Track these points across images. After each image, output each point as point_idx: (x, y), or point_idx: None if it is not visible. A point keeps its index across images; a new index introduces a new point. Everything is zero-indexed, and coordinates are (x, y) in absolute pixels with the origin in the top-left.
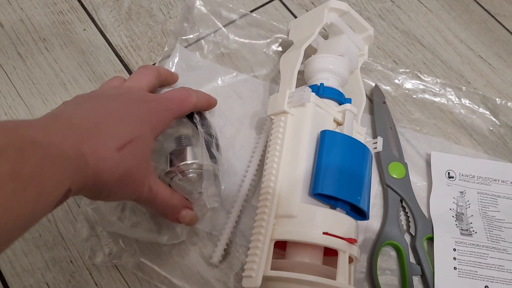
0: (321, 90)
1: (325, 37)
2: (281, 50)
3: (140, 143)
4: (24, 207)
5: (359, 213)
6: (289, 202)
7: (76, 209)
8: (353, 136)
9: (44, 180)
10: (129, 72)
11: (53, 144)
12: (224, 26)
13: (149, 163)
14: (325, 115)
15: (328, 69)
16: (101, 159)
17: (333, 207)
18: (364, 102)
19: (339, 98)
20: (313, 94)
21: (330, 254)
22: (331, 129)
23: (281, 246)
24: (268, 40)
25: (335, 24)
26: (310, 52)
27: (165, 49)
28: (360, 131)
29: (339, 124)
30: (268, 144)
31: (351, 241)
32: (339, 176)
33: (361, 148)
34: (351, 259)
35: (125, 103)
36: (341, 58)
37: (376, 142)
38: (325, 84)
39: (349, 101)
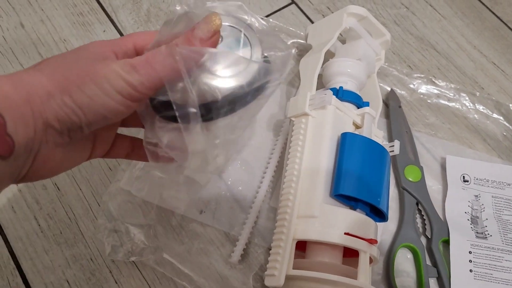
0: (340, 93)
1: (342, 41)
2: (297, 54)
3: (63, 56)
4: None
5: (378, 214)
6: (310, 202)
7: (96, 206)
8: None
9: None
10: None
11: None
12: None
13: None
14: (344, 117)
15: (347, 72)
16: (12, 75)
17: (353, 208)
18: (380, 106)
19: (358, 101)
20: (334, 97)
21: (348, 255)
22: (351, 132)
23: (299, 247)
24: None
25: (353, 29)
26: (327, 56)
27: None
28: (377, 134)
29: (357, 127)
30: (289, 145)
31: (372, 241)
32: (360, 177)
33: (380, 150)
34: (370, 260)
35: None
36: (359, 62)
37: (393, 145)
38: (344, 87)
39: (367, 104)
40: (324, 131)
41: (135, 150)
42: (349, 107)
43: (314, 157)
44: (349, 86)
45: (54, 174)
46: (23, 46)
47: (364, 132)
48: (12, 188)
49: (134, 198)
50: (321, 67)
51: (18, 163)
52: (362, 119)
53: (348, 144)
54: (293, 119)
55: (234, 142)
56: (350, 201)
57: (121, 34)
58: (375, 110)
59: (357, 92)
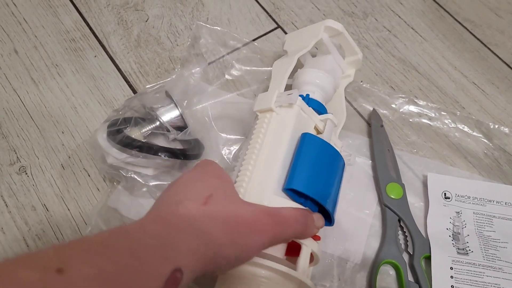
0: (306, 101)
1: (313, 54)
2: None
3: (221, 193)
4: None
5: (326, 218)
6: (262, 192)
7: (83, 226)
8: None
9: (134, 270)
10: None
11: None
12: (229, 53)
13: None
14: (307, 120)
15: (315, 83)
16: (190, 217)
17: (303, 205)
18: (343, 120)
19: (322, 111)
20: (300, 98)
21: (291, 254)
22: None
23: None
24: (270, 67)
25: (324, 43)
26: (297, 67)
27: (173, 76)
28: (337, 144)
29: (319, 132)
30: (250, 137)
31: (315, 238)
32: (312, 176)
33: (335, 155)
34: (312, 259)
35: (199, 173)
36: (328, 76)
37: (350, 156)
38: (311, 96)
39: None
40: (285, 129)
41: None
42: (313, 112)
43: (273, 152)
44: (316, 95)
45: None
46: (16, 72)
47: (325, 136)
48: (2, 210)
49: (122, 217)
50: (291, 78)
51: None
52: (324, 126)
53: (307, 144)
54: (258, 113)
55: None
56: (300, 198)
57: (111, 59)
58: (338, 123)
59: (323, 103)
